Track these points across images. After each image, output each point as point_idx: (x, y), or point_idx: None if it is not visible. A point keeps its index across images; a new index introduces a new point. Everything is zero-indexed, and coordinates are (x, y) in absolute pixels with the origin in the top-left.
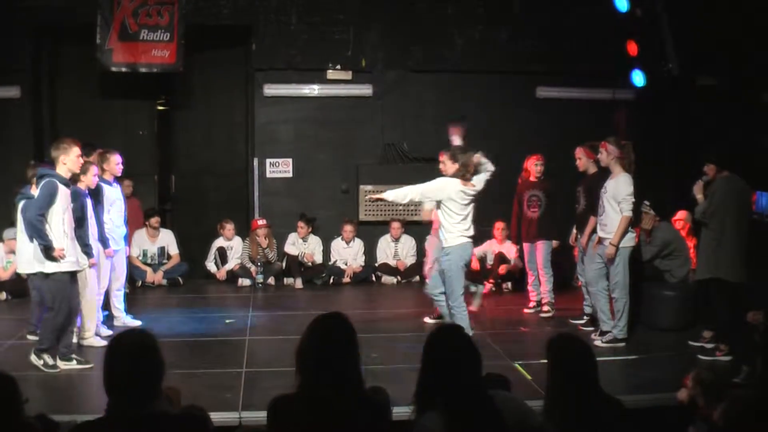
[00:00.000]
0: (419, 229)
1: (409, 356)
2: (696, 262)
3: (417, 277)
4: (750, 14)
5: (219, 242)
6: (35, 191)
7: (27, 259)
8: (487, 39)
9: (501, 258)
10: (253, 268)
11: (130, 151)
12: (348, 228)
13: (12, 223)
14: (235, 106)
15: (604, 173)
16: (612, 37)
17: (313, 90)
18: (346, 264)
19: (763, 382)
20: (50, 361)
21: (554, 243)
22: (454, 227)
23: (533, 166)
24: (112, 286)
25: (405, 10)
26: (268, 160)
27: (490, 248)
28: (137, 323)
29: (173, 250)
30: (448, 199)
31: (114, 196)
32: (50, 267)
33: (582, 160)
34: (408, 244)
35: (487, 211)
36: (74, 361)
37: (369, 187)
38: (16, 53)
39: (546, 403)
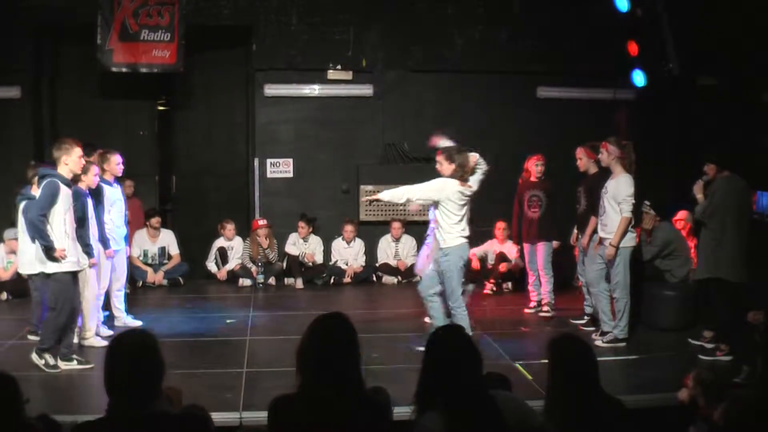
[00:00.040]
0: (420, 229)
1: (409, 356)
2: (696, 262)
3: (418, 277)
4: (750, 14)
5: (219, 242)
6: (36, 191)
7: (29, 260)
8: (487, 39)
9: (502, 258)
10: (253, 268)
11: (130, 151)
12: (348, 228)
13: (13, 224)
14: (236, 106)
15: (604, 173)
16: (612, 37)
17: (314, 90)
18: (346, 264)
19: (764, 382)
20: (51, 361)
21: (555, 244)
22: (452, 228)
23: (534, 167)
24: (112, 286)
25: (405, 10)
26: (268, 160)
27: (491, 248)
28: (138, 323)
29: (174, 250)
30: (446, 200)
31: (114, 197)
32: (51, 267)
33: (583, 160)
34: (409, 244)
35: (488, 211)
36: (75, 361)
37: (369, 187)
38: (16, 53)
39: (547, 403)
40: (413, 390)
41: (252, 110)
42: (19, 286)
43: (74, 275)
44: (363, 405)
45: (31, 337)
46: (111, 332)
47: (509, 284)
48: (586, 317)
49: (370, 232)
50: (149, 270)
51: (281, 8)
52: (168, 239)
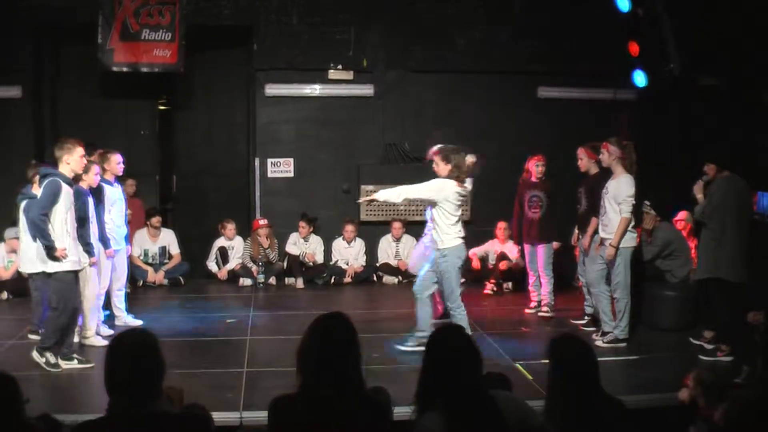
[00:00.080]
0: (420, 229)
1: (409, 356)
2: (696, 263)
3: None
4: (751, 14)
5: (220, 242)
6: (37, 191)
7: (30, 259)
8: (487, 39)
9: (503, 258)
10: (254, 268)
11: (131, 151)
12: (349, 228)
13: (13, 223)
14: (237, 106)
15: (605, 174)
16: (613, 37)
17: (315, 90)
18: (347, 264)
19: (764, 382)
20: (52, 360)
21: (555, 245)
22: (450, 228)
23: (534, 167)
24: (113, 285)
25: (406, 10)
26: (269, 160)
27: (492, 248)
28: (138, 323)
29: (174, 249)
30: (445, 200)
31: (115, 196)
32: (53, 267)
33: (583, 160)
34: (409, 244)
35: (489, 211)
36: (75, 361)
37: (370, 187)
38: (16, 53)
39: (547, 403)
40: (413, 390)
41: (253, 110)
42: (19, 285)
43: (75, 274)
44: (363, 405)
45: (32, 337)
46: (111, 331)
47: (509, 284)
48: (586, 317)
49: (371, 232)
50: (150, 269)
51: (282, 8)
52: (168, 239)
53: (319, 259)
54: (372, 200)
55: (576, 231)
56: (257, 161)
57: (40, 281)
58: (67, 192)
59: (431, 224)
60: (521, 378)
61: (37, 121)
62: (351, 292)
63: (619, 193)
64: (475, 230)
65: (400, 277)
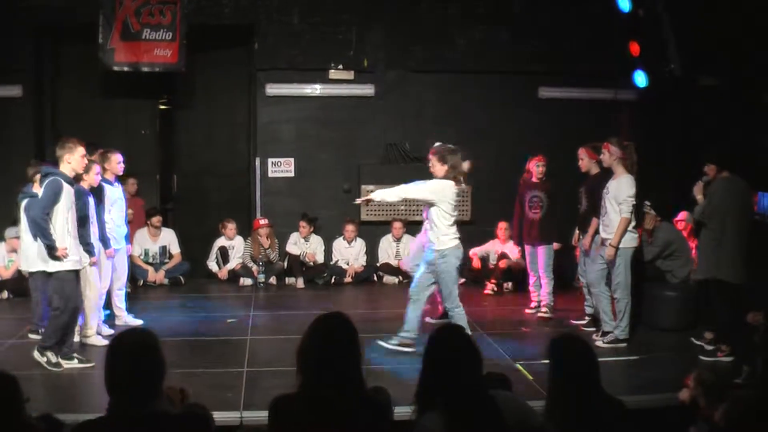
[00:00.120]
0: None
1: (410, 356)
2: (697, 263)
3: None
4: (750, 14)
5: (221, 242)
6: (38, 190)
7: (31, 257)
8: (488, 39)
9: (503, 258)
10: (254, 268)
11: (131, 150)
12: (350, 228)
13: (14, 222)
14: (237, 105)
15: (606, 174)
16: (613, 37)
17: (315, 90)
18: (347, 264)
19: (764, 382)
20: (53, 359)
21: (555, 245)
22: (448, 229)
23: (535, 167)
24: (113, 285)
25: (406, 10)
26: (269, 160)
27: (493, 248)
28: (139, 322)
29: (175, 249)
30: (444, 201)
31: (115, 196)
32: (54, 266)
33: (584, 160)
34: (410, 244)
35: (490, 211)
36: (76, 360)
37: (371, 187)
38: (16, 53)
39: (547, 404)
40: (413, 390)
41: (253, 110)
42: (19, 284)
43: (76, 274)
44: (364, 405)
45: (32, 336)
46: (112, 331)
47: (509, 284)
48: (586, 318)
49: (371, 232)
50: (150, 269)
51: (283, 8)
52: (169, 238)
53: (320, 258)
54: (369, 200)
55: (577, 231)
56: (258, 161)
57: (41, 280)
58: (68, 191)
59: (429, 224)
60: (521, 378)
61: (37, 120)
62: (351, 292)
63: (620, 193)
64: (476, 230)
65: (401, 277)
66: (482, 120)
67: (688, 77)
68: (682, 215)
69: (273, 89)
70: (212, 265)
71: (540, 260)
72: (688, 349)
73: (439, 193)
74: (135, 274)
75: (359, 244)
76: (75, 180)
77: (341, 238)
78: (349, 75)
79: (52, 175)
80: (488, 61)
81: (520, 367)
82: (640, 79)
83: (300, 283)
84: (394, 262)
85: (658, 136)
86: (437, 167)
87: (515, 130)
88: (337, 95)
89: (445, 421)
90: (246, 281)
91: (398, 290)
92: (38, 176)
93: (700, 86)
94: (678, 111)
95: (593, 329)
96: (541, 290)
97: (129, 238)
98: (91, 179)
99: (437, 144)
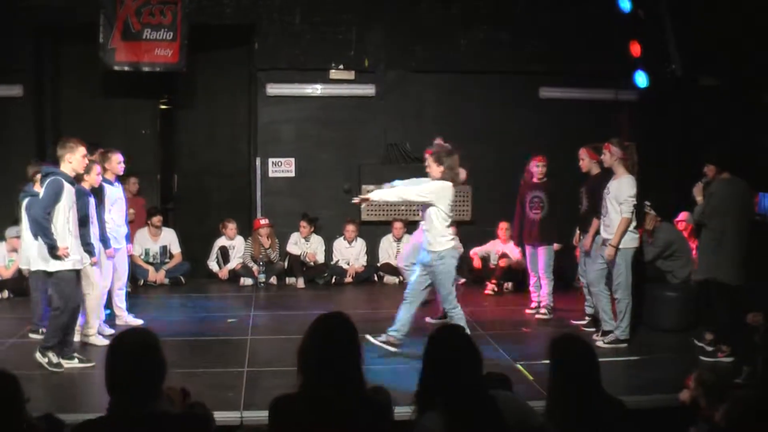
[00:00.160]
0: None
1: (410, 356)
2: (697, 263)
3: None
4: (751, 14)
5: (221, 241)
6: (39, 189)
7: (31, 256)
8: (488, 39)
9: (504, 258)
10: (255, 268)
11: (132, 150)
12: (350, 228)
13: (15, 222)
14: (238, 105)
15: (607, 174)
16: (614, 37)
17: (316, 90)
18: (348, 264)
19: (764, 382)
20: (55, 360)
21: (556, 246)
22: (446, 230)
23: (536, 168)
24: (114, 285)
25: (407, 10)
26: (270, 160)
27: (494, 248)
28: (139, 322)
29: (175, 249)
30: (443, 202)
31: (115, 196)
32: (54, 265)
33: (585, 161)
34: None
35: (490, 212)
36: (76, 360)
37: (371, 187)
38: (16, 53)
39: (547, 404)
40: (413, 390)
41: (254, 109)
42: (20, 284)
43: (77, 273)
44: (364, 405)
45: (32, 336)
46: (113, 331)
47: (510, 284)
48: (587, 318)
49: (372, 232)
50: (151, 269)
51: (284, 7)
52: (169, 238)
53: (320, 258)
54: (366, 200)
55: (577, 231)
56: (258, 161)
57: (41, 280)
58: (69, 191)
59: (425, 225)
60: (522, 378)
61: (37, 120)
62: (352, 292)
63: (621, 193)
64: (476, 230)
65: (401, 277)
66: (483, 120)
67: (689, 77)
68: (683, 215)
69: (274, 89)
70: (213, 264)
71: (540, 261)
72: (689, 349)
73: (438, 194)
74: (135, 274)
75: (360, 244)
76: (76, 180)
77: (342, 238)
78: (350, 75)
79: (53, 174)
80: (489, 61)
81: (521, 368)
82: (641, 79)
83: (300, 283)
84: (394, 262)
85: (659, 137)
86: (433, 168)
87: (516, 130)
88: (338, 95)
89: (445, 421)
90: (246, 281)
91: (399, 290)
92: (39, 176)
93: (701, 86)
94: (678, 111)
95: (593, 329)
96: (541, 291)
97: (129, 238)
98: (92, 179)
99: (437, 141)
